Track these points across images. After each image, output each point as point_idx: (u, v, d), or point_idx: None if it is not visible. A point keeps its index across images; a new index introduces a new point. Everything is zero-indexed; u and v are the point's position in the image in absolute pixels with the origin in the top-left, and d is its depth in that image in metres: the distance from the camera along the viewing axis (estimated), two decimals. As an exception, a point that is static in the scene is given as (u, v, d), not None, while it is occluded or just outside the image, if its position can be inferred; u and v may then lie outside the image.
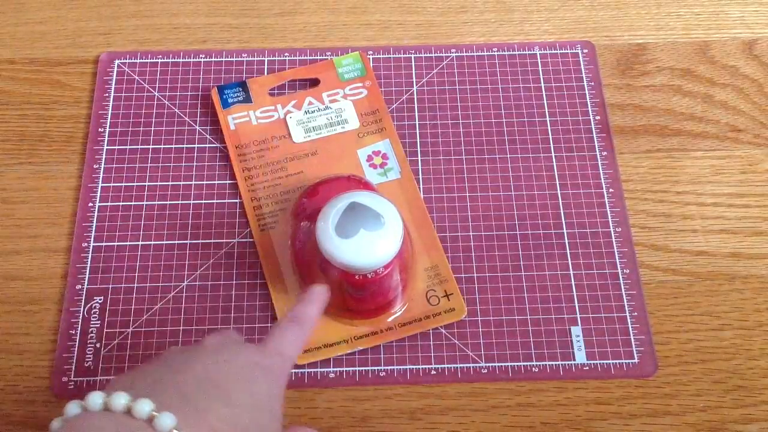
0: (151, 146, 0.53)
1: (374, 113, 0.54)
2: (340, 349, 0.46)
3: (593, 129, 0.54)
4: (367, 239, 0.42)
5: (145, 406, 0.29)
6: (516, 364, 0.46)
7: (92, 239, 0.50)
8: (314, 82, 0.55)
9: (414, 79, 0.56)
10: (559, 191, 0.52)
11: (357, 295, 0.45)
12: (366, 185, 0.49)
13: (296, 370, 0.46)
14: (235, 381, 0.33)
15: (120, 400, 0.30)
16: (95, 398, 0.30)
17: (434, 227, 0.50)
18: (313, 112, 0.54)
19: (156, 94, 0.55)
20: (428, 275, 0.49)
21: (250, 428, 0.32)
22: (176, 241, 0.50)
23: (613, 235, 0.50)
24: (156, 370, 0.34)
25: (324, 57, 0.57)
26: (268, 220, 0.50)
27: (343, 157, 0.52)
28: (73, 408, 0.30)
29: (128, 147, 0.53)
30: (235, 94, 0.54)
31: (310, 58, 0.57)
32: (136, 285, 0.49)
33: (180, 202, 0.51)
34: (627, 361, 0.46)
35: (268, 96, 0.55)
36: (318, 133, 0.53)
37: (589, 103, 0.55)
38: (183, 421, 0.30)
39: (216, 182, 0.52)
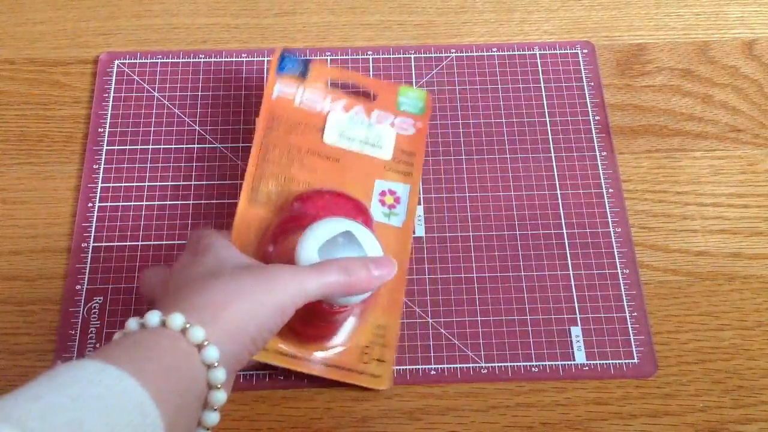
0: (151, 146, 0.53)
1: (410, 155, 0.51)
2: (260, 355, 0.43)
3: (593, 129, 0.54)
4: None
5: (198, 332, 0.33)
6: (516, 364, 0.46)
7: (92, 239, 0.50)
8: (372, 96, 0.53)
9: (414, 79, 0.56)
10: (559, 191, 0.52)
11: (305, 316, 0.42)
12: (366, 218, 0.47)
13: (296, 370, 0.46)
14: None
15: (176, 321, 0.33)
16: (153, 317, 0.34)
17: (404, 290, 0.48)
18: (356, 122, 0.51)
19: (156, 94, 0.55)
20: (374, 333, 0.46)
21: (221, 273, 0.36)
22: (176, 242, 0.50)
23: (612, 235, 0.50)
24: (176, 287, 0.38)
25: (323, 57, 0.57)
26: (258, 196, 0.48)
27: (360, 179, 0.50)
28: (132, 324, 0.34)
29: (128, 147, 0.53)
30: (295, 66, 0.52)
31: (310, 58, 0.57)
32: (136, 285, 0.49)
33: (180, 202, 0.51)
34: (627, 361, 0.46)
35: (324, 84, 0.52)
36: (349, 144, 0.51)
37: (588, 103, 0.55)
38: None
39: (216, 182, 0.52)
